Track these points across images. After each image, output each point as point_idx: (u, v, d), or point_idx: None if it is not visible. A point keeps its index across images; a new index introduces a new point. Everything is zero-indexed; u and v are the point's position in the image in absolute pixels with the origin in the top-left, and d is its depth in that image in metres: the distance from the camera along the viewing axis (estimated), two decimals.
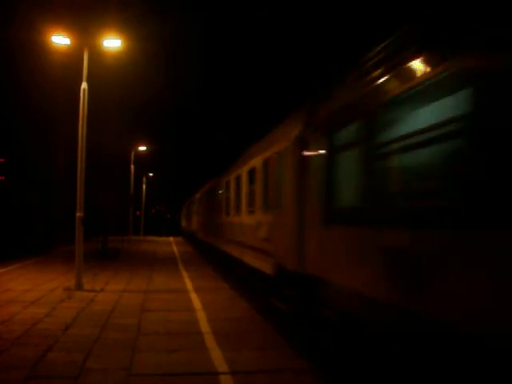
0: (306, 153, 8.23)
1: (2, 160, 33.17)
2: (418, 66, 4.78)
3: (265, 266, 11.00)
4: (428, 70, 4.61)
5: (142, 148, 41.69)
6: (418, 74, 4.74)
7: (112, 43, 14.39)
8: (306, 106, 8.91)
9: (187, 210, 45.01)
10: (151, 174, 58.11)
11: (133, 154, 40.84)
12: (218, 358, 6.79)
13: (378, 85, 5.59)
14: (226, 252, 18.00)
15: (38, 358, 6.53)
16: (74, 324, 8.73)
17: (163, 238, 51.62)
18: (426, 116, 4.63)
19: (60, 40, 13.95)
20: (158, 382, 5.86)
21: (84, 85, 13.57)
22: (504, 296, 3.52)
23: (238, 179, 15.62)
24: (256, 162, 12.70)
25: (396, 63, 5.22)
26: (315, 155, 7.76)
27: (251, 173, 13.34)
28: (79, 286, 12.75)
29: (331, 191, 7.01)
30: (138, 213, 55.57)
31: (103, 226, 27.37)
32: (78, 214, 13.02)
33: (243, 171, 14.74)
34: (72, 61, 15.91)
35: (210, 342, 7.66)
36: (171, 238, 51.42)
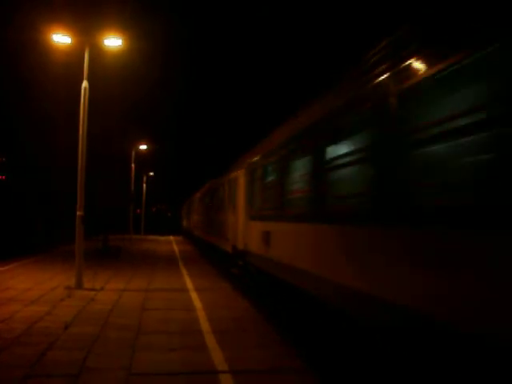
0: (247, 178, 13.41)
1: (2, 159, 33.21)
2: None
3: (227, 247, 16.86)
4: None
5: (143, 147, 41.66)
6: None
7: (113, 42, 14.38)
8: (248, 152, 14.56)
9: (187, 209, 45.78)
10: (152, 173, 58.09)
11: (133, 152, 40.83)
12: (217, 357, 6.80)
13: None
14: (209, 241, 24.23)
15: (38, 357, 6.54)
16: (75, 323, 8.74)
17: (164, 237, 51.64)
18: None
19: (61, 39, 13.94)
20: (158, 380, 5.86)
21: (85, 83, 13.58)
22: None
23: (216, 189, 21.71)
24: (226, 178, 18.40)
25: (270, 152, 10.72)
26: (249, 180, 13.14)
27: (224, 185, 18.78)
28: (79, 285, 12.76)
29: (251, 201, 12.62)
30: (138, 211, 55.60)
31: (104, 225, 27.40)
32: (79, 213, 13.03)
33: (218, 183, 20.90)
34: (73, 60, 15.92)
35: (210, 341, 7.67)
36: (172, 237, 51.45)
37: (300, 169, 8.22)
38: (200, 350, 7.17)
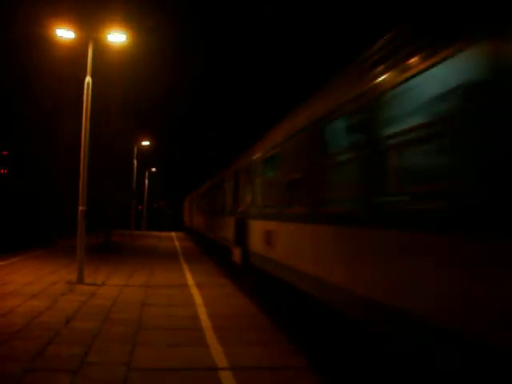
0: (235, 180, 15.16)
1: (4, 153, 33.23)
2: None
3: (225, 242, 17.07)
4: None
5: (145, 143, 41.68)
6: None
7: (117, 37, 14.36)
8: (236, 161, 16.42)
9: (189, 205, 46.35)
10: (154, 169, 58.09)
11: (135, 148, 40.84)
12: (218, 353, 6.79)
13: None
14: (204, 234, 27.27)
15: (38, 351, 6.54)
16: (75, 317, 8.74)
17: (165, 233, 51.68)
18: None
19: (64, 33, 13.93)
20: (158, 376, 5.86)
21: (88, 79, 13.57)
22: None
23: (207, 190, 25.35)
24: (214, 180, 22.41)
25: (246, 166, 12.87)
26: (233, 182, 15.35)
27: (215, 185, 21.58)
28: (81, 280, 12.76)
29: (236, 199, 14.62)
30: (139, 207, 55.64)
31: (105, 220, 27.41)
32: (81, 208, 13.03)
33: (203, 187, 26.74)
34: (76, 55, 15.90)
35: (211, 337, 7.67)
36: (173, 233, 51.47)
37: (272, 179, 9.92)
38: (200, 346, 7.17)
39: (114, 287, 12.36)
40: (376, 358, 5.24)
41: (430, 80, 4.14)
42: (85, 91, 13.53)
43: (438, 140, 4.06)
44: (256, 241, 11.11)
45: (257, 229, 11.11)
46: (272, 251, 9.45)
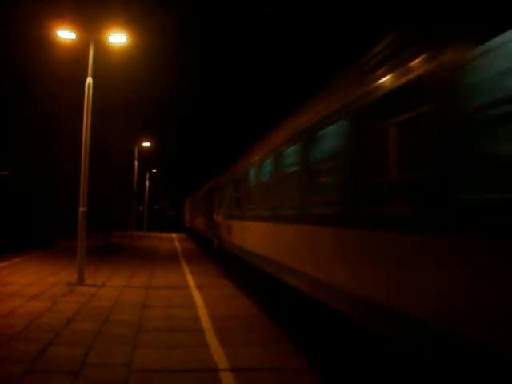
0: (212, 193, 21.61)
1: (6, 154, 33.21)
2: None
3: (209, 235, 23.69)
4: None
5: (146, 144, 41.69)
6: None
7: (118, 38, 14.37)
8: (217, 176, 21.80)
9: (188, 206, 48.04)
10: (155, 170, 58.09)
11: (136, 149, 40.85)
12: (218, 354, 6.79)
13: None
14: (198, 232, 32.93)
15: (38, 352, 6.54)
16: (76, 319, 8.73)
17: (166, 234, 51.68)
18: None
19: (65, 35, 13.94)
20: (159, 377, 5.85)
21: (89, 80, 13.58)
22: None
23: (199, 196, 32.56)
24: (203, 189, 28.89)
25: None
26: (212, 195, 21.97)
27: (203, 193, 28.66)
28: (81, 281, 12.76)
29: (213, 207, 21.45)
30: (140, 208, 55.63)
31: (106, 221, 27.40)
32: (81, 209, 13.03)
33: (199, 193, 33.17)
34: (77, 56, 15.90)
35: (211, 338, 7.66)
36: (174, 235, 51.47)
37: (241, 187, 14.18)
38: (201, 347, 7.16)
39: (115, 288, 12.35)
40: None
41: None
42: (86, 92, 13.55)
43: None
44: (224, 233, 17.80)
45: (223, 225, 18.02)
46: (231, 238, 15.90)
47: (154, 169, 57.34)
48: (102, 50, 14.70)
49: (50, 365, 6.08)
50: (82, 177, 13.29)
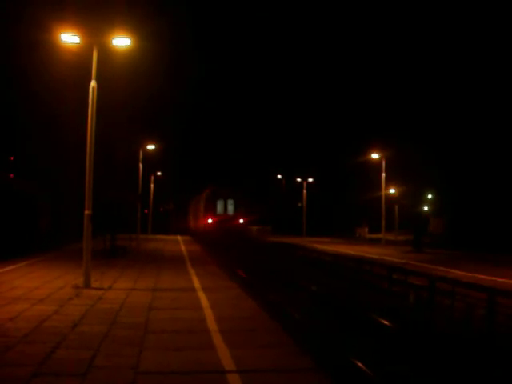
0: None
1: (11, 158, 33.38)
2: None
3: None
4: None
5: (151, 147, 41.71)
6: None
7: (121, 42, 14.38)
8: (211, 186, 52.86)
9: (192, 209, 58.28)
10: (159, 173, 58.14)
11: (141, 152, 40.90)
12: (225, 356, 6.78)
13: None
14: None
15: (45, 356, 6.54)
16: (82, 322, 8.75)
17: (171, 237, 51.73)
18: None
19: (69, 38, 13.96)
20: (165, 380, 5.85)
21: (93, 83, 13.61)
22: None
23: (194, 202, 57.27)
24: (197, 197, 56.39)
25: None
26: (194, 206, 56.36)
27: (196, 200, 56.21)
28: (87, 284, 12.76)
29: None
30: (145, 211, 55.71)
31: (111, 224, 27.43)
32: (87, 212, 13.05)
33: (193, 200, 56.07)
34: (81, 59, 15.94)
35: (218, 340, 7.66)
36: (179, 237, 51.52)
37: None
38: (207, 349, 7.16)
39: (121, 291, 12.36)
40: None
41: None
42: (90, 95, 13.58)
43: None
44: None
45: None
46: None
47: (159, 172, 57.40)
48: (105, 53, 14.71)
49: (57, 368, 6.09)
50: (86, 180, 13.31)
